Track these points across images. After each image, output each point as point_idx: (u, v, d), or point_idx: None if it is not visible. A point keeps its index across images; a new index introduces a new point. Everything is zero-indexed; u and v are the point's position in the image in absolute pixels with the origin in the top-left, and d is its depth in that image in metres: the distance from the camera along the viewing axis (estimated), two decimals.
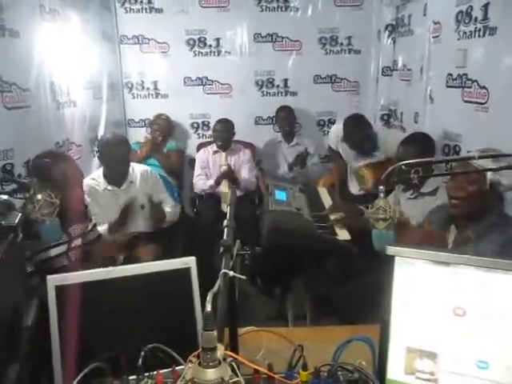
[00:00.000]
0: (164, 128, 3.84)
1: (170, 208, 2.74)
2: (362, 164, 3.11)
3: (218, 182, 3.55)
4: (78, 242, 1.97)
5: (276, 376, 1.04)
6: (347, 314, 2.15)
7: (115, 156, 2.53)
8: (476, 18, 2.40)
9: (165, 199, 2.76)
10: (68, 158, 1.92)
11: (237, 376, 0.68)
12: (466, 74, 2.54)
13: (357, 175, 3.18)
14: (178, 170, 3.85)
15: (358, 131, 3.08)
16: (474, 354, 0.95)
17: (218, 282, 0.85)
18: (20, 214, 1.01)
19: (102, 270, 1.20)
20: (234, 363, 0.71)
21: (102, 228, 2.38)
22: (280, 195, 2.47)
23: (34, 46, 2.44)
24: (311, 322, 2.42)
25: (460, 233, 1.80)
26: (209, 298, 0.70)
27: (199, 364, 0.66)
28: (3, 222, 0.95)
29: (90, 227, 2.09)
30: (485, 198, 1.68)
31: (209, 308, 0.67)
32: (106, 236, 2.36)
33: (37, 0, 2.51)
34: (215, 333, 0.65)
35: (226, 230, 1.06)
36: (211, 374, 0.65)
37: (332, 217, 2.41)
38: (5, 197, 1.03)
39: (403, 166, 1.41)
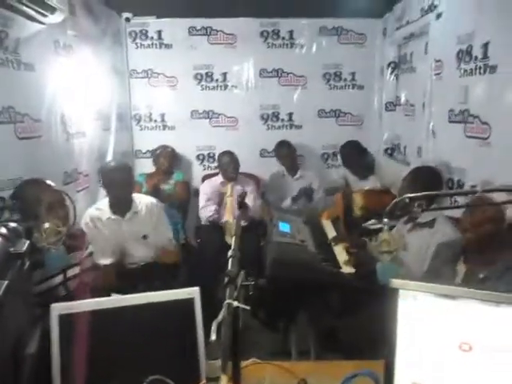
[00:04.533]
0: (169, 158, 3.90)
1: (170, 248, 2.74)
2: (357, 190, 3.15)
3: (219, 204, 3.59)
4: (76, 270, 1.96)
5: None
6: (353, 349, 2.11)
7: (118, 181, 2.55)
8: (476, 57, 2.47)
9: (165, 238, 2.75)
10: (49, 185, 1.91)
11: None
12: (467, 110, 2.58)
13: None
14: (184, 201, 3.88)
15: (353, 156, 3.15)
16: None
17: (222, 312, 0.85)
18: (28, 242, 1.02)
19: (105, 299, 1.21)
20: None
21: (107, 261, 2.39)
22: (284, 227, 2.47)
23: (48, 79, 2.52)
24: (316, 357, 2.37)
25: (471, 269, 1.78)
26: (213, 327, 0.70)
27: None
28: (12, 249, 0.96)
29: (86, 255, 2.10)
30: (502, 236, 1.67)
31: (213, 337, 0.67)
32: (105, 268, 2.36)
33: (52, 36, 2.61)
34: (219, 362, 0.65)
35: (230, 260, 1.07)
36: None
37: (337, 250, 2.41)
38: (14, 224, 1.04)
39: (407, 200, 1.42)
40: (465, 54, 2.59)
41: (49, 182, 1.88)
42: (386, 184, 3.24)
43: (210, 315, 1.19)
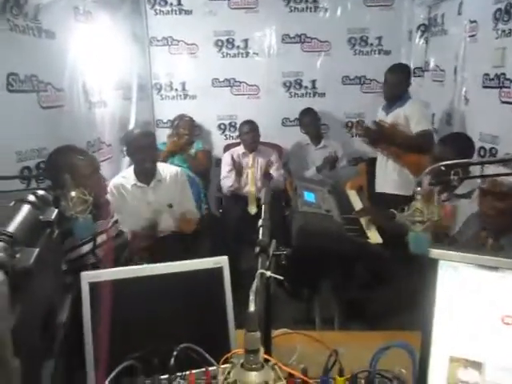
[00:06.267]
0: (189, 128, 3.86)
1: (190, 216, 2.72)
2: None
3: (239, 174, 3.57)
4: (103, 237, 1.98)
5: (311, 381, 1.01)
6: (377, 320, 2.10)
7: (142, 146, 2.55)
8: None
9: (188, 207, 2.74)
10: (84, 152, 1.92)
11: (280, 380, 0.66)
12: (504, 74, 2.45)
13: None
14: (205, 170, 3.86)
15: (395, 72, 3.11)
16: None
17: (255, 282, 0.82)
18: (56, 210, 1.01)
19: (135, 267, 1.20)
20: (276, 367, 0.68)
21: (127, 231, 2.39)
22: (309, 197, 2.43)
23: (69, 46, 2.49)
24: (339, 326, 2.37)
25: (494, 242, 1.74)
26: (252, 297, 0.67)
27: (242, 366, 0.64)
28: (41, 217, 0.94)
29: (111, 223, 2.11)
30: None
31: (252, 308, 0.64)
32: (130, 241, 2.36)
33: (71, 2, 2.56)
34: (259, 334, 0.63)
35: (261, 229, 1.04)
36: (255, 377, 0.62)
37: (363, 220, 2.37)
38: (42, 192, 1.03)
39: (442, 167, 1.36)
40: (503, 14, 2.44)
41: (82, 148, 1.88)
42: None
43: (233, 284, 1.18)
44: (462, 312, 0.94)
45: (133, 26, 3.70)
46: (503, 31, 2.44)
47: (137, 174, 2.62)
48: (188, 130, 3.84)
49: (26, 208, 0.93)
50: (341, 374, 1.01)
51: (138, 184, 2.60)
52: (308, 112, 3.88)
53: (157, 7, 3.99)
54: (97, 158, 2.02)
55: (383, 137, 3.07)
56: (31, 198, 0.97)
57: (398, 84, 3.09)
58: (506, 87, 2.42)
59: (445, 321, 0.96)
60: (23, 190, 1.77)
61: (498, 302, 0.91)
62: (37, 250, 0.79)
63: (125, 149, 2.78)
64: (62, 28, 2.39)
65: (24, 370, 0.74)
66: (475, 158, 2.56)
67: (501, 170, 1.92)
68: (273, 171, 3.60)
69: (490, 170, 1.95)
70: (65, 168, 1.72)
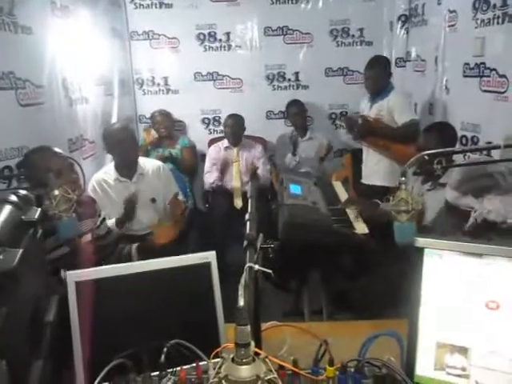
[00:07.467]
0: (164, 122, 3.80)
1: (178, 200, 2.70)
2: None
3: (222, 172, 3.56)
4: (88, 237, 1.96)
5: (301, 372, 1.02)
6: (365, 309, 2.12)
7: (121, 140, 2.52)
8: (494, 5, 2.35)
9: (174, 193, 2.72)
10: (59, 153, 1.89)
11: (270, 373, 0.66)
12: (483, 63, 2.48)
13: None
14: (192, 167, 3.83)
15: (373, 67, 3.14)
16: (508, 349, 0.91)
17: (244, 275, 0.83)
18: (40, 209, 0.99)
19: (122, 265, 1.19)
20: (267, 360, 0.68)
21: (111, 222, 2.37)
22: (295, 189, 2.43)
23: (46, 42, 2.43)
24: (328, 317, 2.39)
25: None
26: (241, 291, 0.67)
27: (233, 360, 0.63)
28: (24, 217, 0.93)
29: (98, 222, 2.08)
30: None
31: (241, 302, 0.64)
32: (115, 231, 2.35)
33: None
34: (249, 328, 0.63)
35: (248, 223, 1.03)
36: (246, 370, 0.63)
37: (349, 211, 2.39)
38: (24, 192, 1.01)
39: (426, 156, 1.37)
40: (482, 3, 2.46)
41: (56, 148, 1.84)
42: None
43: (220, 278, 1.18)
44: (448, 299, 0.96)
45: (112, 20, 3.63)
46: (482, 21, 2.47)
47: (118, 168, 2.59)
48: (164, 123, 3.79)
49: (7, 208, 0.91)
50: (331, 363, 1.02)
51: (121, 179, 2.58)
52: (295, 103, 3.88)
53: (136, 1, 3.93)
54: (70, 157, 1.96)
55: (370, 131, 3.09)
56: (13, 197, 0.96)
57: (378, 78, 3.11)
58: (486, 76, 2.44)
59: (431, 308, 0.98)
60: (4, 190, 1.73)
61: (482, 288, 0.93)
62: (20, 250, 0.78)
63: (104, 143, 2.74)
64: (38, 23, 2.33)
65: (11, 371, 0.73)
66: (458, 146, 2.60)
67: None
68: (259, 170, 3.60)
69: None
70: (38, 168, 1.69)
